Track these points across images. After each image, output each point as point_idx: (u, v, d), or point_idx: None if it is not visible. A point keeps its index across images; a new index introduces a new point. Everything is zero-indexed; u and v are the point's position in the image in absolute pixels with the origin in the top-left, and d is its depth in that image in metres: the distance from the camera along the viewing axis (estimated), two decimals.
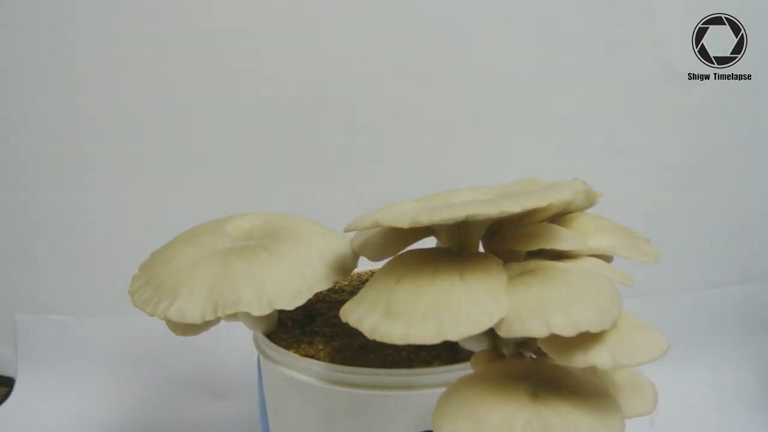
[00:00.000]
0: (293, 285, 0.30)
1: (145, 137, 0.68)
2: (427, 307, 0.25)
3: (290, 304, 0.30)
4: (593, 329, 0.25)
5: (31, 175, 0.70)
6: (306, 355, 0.38)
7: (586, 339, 0.26)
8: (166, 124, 0.68)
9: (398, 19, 0.66)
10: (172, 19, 0.66)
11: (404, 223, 0.26)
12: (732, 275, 0.72)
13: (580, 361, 0.26)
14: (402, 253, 0.31)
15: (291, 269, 0.30)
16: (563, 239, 0.30)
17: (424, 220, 0.25)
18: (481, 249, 0.35)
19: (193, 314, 0.30)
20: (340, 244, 0.35)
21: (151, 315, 0.31)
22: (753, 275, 0.72)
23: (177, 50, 0.66)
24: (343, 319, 0.28)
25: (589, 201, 0.35)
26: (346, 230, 0.31)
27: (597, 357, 0.25)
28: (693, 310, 0.72)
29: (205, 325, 0.34)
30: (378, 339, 0.26)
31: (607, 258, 0.33)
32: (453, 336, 0.25)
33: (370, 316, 0.26)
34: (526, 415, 0.26)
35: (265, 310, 0.30)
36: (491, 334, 0.31)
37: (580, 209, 0.35)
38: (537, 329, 0.25)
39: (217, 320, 0.33)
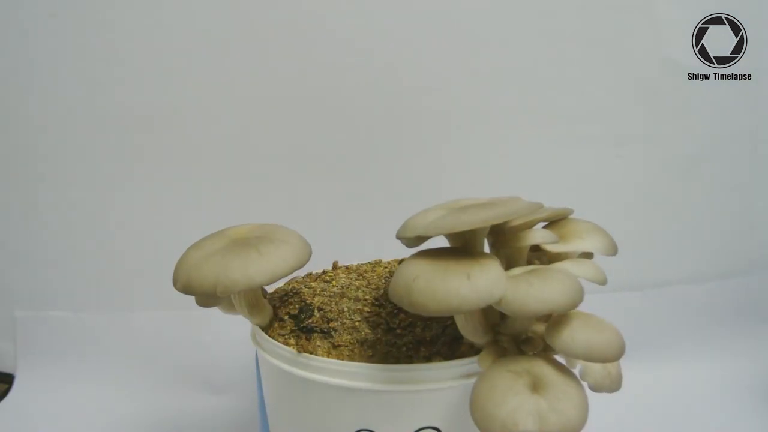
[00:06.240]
0: (270, 273, 0.39)
1: (146, 137, 0.68)
2: (441, 301, 0.32)
3: (267, 282, 0.38)
4: (561, 311, 0.34)
5: (31, 173, 0.70)
6: (304, 352, 0.39)
7: (575, 335, 0.34)
8: (166, 123, 0.68)
9: (396, 15, 0.66)
10: (176, 19, 0.66)
11: (439, 233, 0.35)
12: (732, 267, 0.73)
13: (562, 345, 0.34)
14: (417, 253, 0.37)
15: (272, 263, 0.39)
16: (545, 240, 0.39)
17: (448, 229, 0.35)
18: (487, 248, 0.40)
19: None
20: (306, 245, 0.43)
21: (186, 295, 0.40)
22: (753, 267, 0.73)
23: (182, 53, 0.67)
24: (392, 300, 0.35)
25: (568, 212, 0.43)
26: (397, 237, 0.38)
27: (580, 348, 0.33)
28: (693, 301, 0.73)
29: (217, 300, 0.44)
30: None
31: (588, 255, 0.41)
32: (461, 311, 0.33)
33: (402, 303, 0.34)
34: (527, 409, 0.31)
35: (252, 286, 0.38)
36: (492, 331, 0.37)
37: (568, 216, 0.43)
38: (534, 310, 0.32)
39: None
